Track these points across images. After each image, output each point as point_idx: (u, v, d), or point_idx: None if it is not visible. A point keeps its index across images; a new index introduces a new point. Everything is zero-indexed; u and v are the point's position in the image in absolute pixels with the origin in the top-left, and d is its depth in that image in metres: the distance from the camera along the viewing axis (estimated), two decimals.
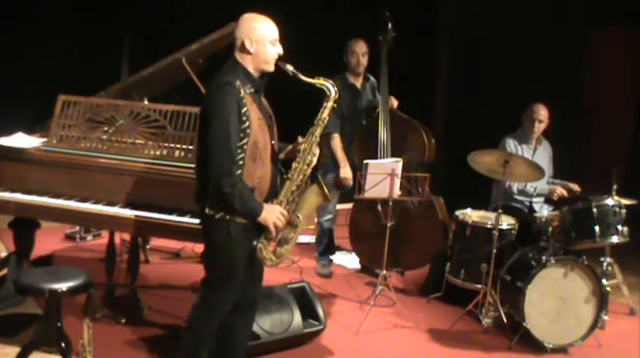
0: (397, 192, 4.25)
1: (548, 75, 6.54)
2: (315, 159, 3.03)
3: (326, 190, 3.00)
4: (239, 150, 2.82)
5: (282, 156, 3.10)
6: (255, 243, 2.94)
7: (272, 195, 2.99)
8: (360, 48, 4.87)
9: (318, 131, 3.01)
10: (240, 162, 2.83)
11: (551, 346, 4.00)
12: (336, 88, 3.04)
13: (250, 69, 2.93)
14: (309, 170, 3.02)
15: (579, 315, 4.03)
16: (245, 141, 2.83)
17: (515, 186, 4.73)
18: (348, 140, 4.91)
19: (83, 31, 6.91)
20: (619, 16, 6.51)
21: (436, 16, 7.21)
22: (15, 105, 5.82)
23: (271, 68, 2.96)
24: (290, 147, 3.11)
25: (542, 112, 4.73)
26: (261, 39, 2.90)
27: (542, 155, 4.83)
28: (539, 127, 4.75)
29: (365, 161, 4.25)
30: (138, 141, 3.81)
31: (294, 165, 3.01)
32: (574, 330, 4.03)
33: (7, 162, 3.81)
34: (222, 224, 2.88)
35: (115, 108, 3.90)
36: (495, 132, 4.92)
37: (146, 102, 4.14)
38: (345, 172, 4.77)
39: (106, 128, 3.87)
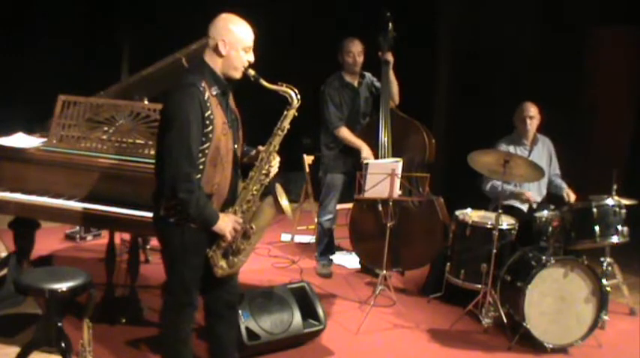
0: (397, 192, 4.25)
1: (548, 75, 6.54)
2: (273, 170, 2.95)
3: (282, 202, 2.91)
4: (200, 155, 2.74)
5: (244, 160, 3.02)
6: (207, 250, 2.88)
7: (230, 202, 2.92)
8: (356, 47, 4.86)
9: (277, 140, 2.93)
10: (201, 167, 2.75)
11: (551, 346, 4.00)
12: (299, 96, 2.92)
13: (218, 71, 2.84)
14: (267, 180, 2.95)
15: (579, 315, 4.03)
16: (207, 145, 2.75)
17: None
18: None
19: (83, 31, 6.92)
20: (619, 16, 6.50)
21: (436, 17, 7.22)
22: (15, 105, 5.83)
23: (238, 75, 2.87)
24: (253, 152, 3.04)
25: (532, 109, 4.71)
26: (235, 43, 2.81)
27: (541, 154, 4.80)
28: (532, 124, 4.72)
29: (365, 161, 4.25)
30: (138, 141, 3.81)
31: (250, 173, 2.94)
32: (574, 330, 4.03)
33: (7, 162, 3.81)
34: (176, 227, 2.81)
35: (115, 108, 3.89)
36: (495, 132, 4.92)
37: (146, 102, 4.14)
38: (367, 154, 4.74)
39: (106, 128, 3.87)
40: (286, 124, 2.94)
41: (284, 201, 2.93)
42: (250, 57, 2.87)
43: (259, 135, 3.12)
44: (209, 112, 2.74)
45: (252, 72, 2.88)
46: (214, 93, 2.79)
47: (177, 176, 2.70)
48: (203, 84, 2.76)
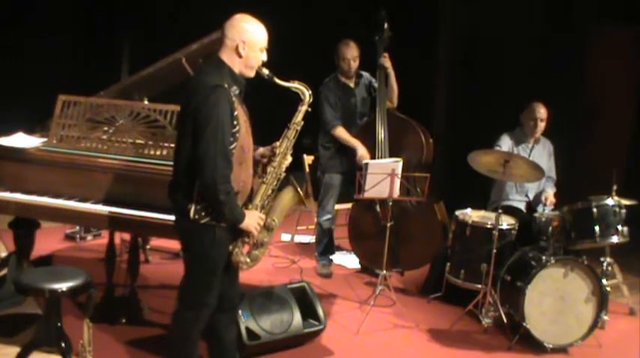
0: (397, 193, 4.25)
1: (549, 75, 6.53)
2: (287, 163, 3.03)
3: (301, 192, 3.02)
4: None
5: (264, 160, 3.07)
6: (230, 247, 2.92)
7: (248, 199, 2.98)
8: (351, 53, 4.82)
9: (294, 135, 3.02)
10: None
11: (551, 346, 4.00)
12: (310, 92, 3.03)
13: (236, 71, 2.87)
14: (283, 173, 3.03)
15: (579, 315, 4.03)
16: (234, 144, 2.78)
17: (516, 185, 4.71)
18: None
19: (83, 30, 6.92)
20: (619, 16, 6.51)
21: (436, 16, 7.22)
22: (15, 105, 5.83)
23: (252, 74, 2.93)
24: (269, 153, 3.08)
25: (543, 111, 4.69)
26: (254, 44, 2.85)
27: (541, 154, 4.80)
28: (541, 126, 4.71)
29: (365, 161, 4.24)
30: (138, 141, 3.81)
31: (269, 169, 3.00)
32: (574, 330, 4.03)
33: (7, 162, 3.81)
34: (208, 228, 2.83)
35: (115, 108, 3.89)
36: (495, 132, 4.91)
37: (146, 102, 4.14)
38: (362, 153, 4.76)
39: (106, 128, 3.87)
40: (300, 119, 3.04)
41: (301, 192, 3.04)
42: (264, 56, 2.93)
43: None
44: (236, 112, 2.78)
45: (265, 71, 2.95)
46: (235, 92, 2.83)
47: (217, 178, 2.71)
48: (226, 84, 2.78)
